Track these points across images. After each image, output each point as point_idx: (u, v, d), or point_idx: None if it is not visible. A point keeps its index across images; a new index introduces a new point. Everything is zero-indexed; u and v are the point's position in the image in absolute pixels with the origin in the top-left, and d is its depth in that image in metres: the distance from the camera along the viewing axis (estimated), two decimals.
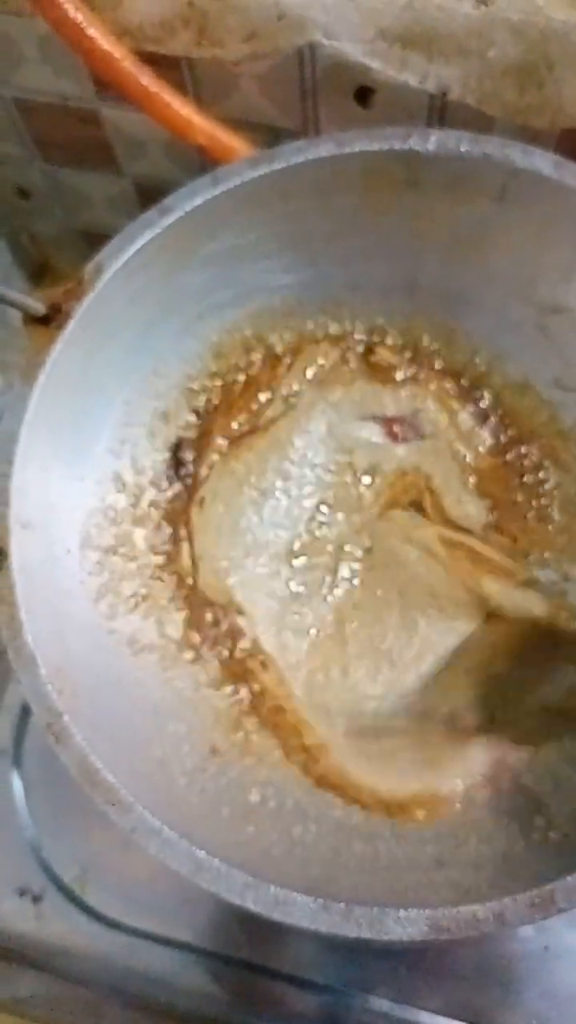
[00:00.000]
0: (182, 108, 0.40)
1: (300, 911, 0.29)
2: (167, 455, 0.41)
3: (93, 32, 0.38)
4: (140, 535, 0.40)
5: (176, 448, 0.41)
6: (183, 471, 0.42)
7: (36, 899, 0.42)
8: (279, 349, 0.43)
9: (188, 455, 0.42)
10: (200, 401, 0.42)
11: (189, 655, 0.39)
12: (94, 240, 0.34)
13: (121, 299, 0.36)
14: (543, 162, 0.35)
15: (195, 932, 0.42)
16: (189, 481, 0.41)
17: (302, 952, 0.41)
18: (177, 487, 0.41)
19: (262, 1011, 0.41)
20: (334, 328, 0.43)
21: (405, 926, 0.29)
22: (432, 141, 0.35)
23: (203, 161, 0.41)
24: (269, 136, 0.44)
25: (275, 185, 0.36)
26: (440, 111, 0.41)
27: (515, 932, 0.40)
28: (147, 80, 0.39)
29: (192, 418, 0.41)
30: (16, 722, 0.45)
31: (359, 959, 0.41)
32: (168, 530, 0.40)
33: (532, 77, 0.39)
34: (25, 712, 0.45)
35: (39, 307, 0.33)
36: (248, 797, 0.35)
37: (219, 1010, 0.41)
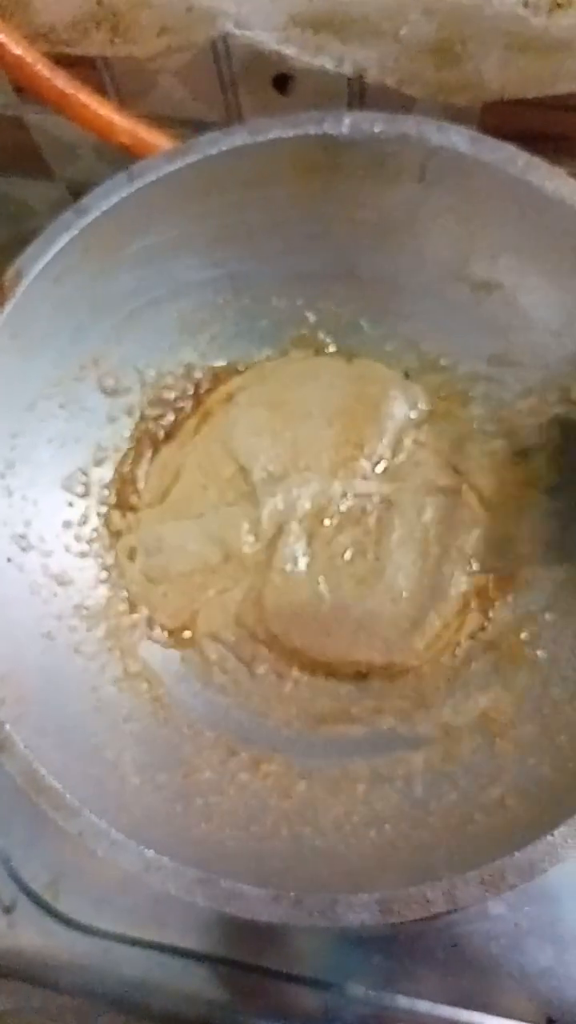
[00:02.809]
0: (101, 108, 0.40)
1: (251, 903, 0.29)
2: (108, 461, 0.41)
3: (2, 38, 0.37)
4: (84, 541, 0.40)
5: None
6: (127, 472, 0.42)
7: (7, 909, 0.42)
8: (211, 348, 0.43)
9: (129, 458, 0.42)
10: (137, 404, 0.42)
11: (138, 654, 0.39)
12: None
13: (50, 304, 0.36)
14: (459, 138, 0.34)
15: (170, 932, 0.41)
16: (132, 478, 0.41)
17: (280, 946, 0.41)
18: (120, 486, 0.41)
19: (241, 1007, 0.41)
20: (269, 324, 0.43)
21: (357, 911, 0.29)
22: (346, 124, 0.34)
23: (134, 162, 0.41)
24: (195, 131, 0.43)
25: (195, 179, 0.36)
26: (360, 94, 0.41)
27: (486, 912, 0.40)
28: (62, 83, 0.39)
29: (128, 421, 0.41)
30: None
31: (332, 949, 0.41)
32: (112, 535, 0.40)
33: (448, 54, 0.39)
34: None
35: None
36: (202, 793, 0.35)
37: (199, 1009, 0.41)
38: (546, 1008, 0.40)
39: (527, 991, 0.40)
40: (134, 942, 0.42)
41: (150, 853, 0.29)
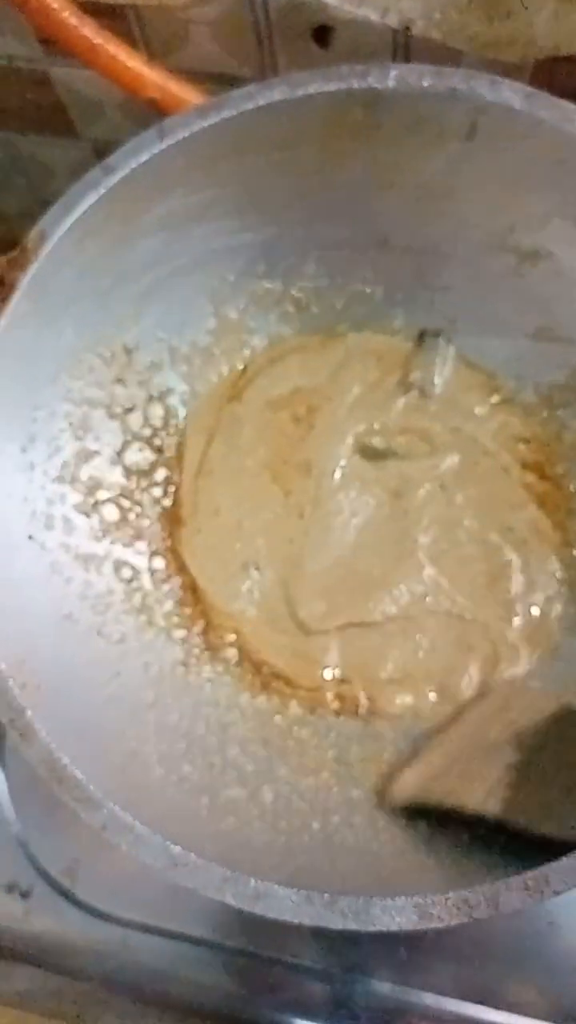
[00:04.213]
0: (130, 60, 0.38)
1: (282, 904, 0.27)
2: (128, 435, 0.39)
3: None
4: (104, 518, 0.38)
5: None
6: (152, 446, 0.40)
7: (25, 895, 0.41)
8: (239, 319, 0.41)
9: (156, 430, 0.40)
10: (161, 375, 0.40)
11: (162, 639, 0.37)
12: None
13: (72, 269, 0.34)
14: (513, 94, 0.32)
15: (187, 921, 0.40)
16: (156, 458, 0.39)
17: (297, 938, 0.40)
18: (144, 461, 0.39)
19: (259, 998, 0.40)
20: (298, 294, 0.41)
21: (393, 915, 0.27)
22: (392, 77, 0.32)
23: (161, 120, 0.39)
24: (226, 87, 0.41)
25: (228, 136, 0.34)
26: (404, 48, 0.39)
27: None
28: (90, 31, 0.37)
29: (155, 388, 0.39)
30: None
31: (356, 943, 0.40)
32: (135, 512, 0.39)
33: (500, 6, 0.36)
34: None
35: None
36: (229, 786, 0.33)
37: (216, 998, 0.40)
38: (570, 1007, 0.39)
39: (548, 988, 0.39)
40: (150, 930, 0.41)
41: (176, 849, 0.28)
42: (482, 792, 0.32)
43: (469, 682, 0.38)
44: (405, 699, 0.38)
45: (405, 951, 0.39)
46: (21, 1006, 0.44)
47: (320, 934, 0.40)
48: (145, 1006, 0.42)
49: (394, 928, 0.27)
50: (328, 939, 0.40)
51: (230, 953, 0.41)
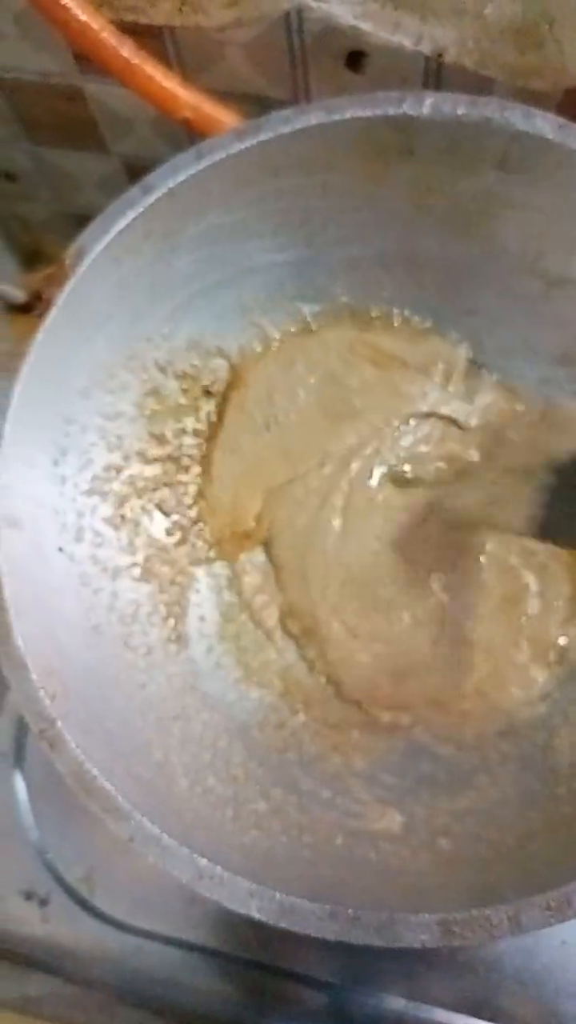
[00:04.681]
0: (165, 80, 0.38)
1: (307, 919, 0.28)
2: (158, 449, 0.39)
3: (69, 2, 0.36)
4: (132, 531, 0.38)
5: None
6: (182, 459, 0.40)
7: (42, 902, 0.41)
8: (274, 334, 0.41)
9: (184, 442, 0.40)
10: (191, 390, 0.40)
11: (187, 652, 0.38)
12: (87, 223, 0.33)
13: (107, 285, 0.35)
14: (546, 124, 0.33)
15: (204, 932, 0.41)
16: (190, 459, 0.40)
17: (313, 951, 0.40)
18: (174, 474, 0.40)
19: (273, 1011, 0.40)
20: (330, 312, 0.41)
21: (416, 932, 0.27)
22: (427, 104, 0.33)
23: (191, 138, 0.40)
24: (258, 108, 0.42)
25: (264, 158, 0.34)
26: (436, 75, 0.39)
27: None
28: (128, 52, 0.37)
29: (184, 399, 0.40)
30: (18, 723, 0.44)
31: (370, 957, 0.40)
32: (168, 522, 0.39)
33: (532, 36, 0.37)
34: None
35: (18, 294, 0.32)
36: (253, 799, 0.34)
37: (230, 1010, 0.40)
38: (556, 1018, 0.39)
39: (557, 1008, 0.39)
40: (166, 940, 0.41)
41: (203, 862, 0.28)
42: (512, 512, 0.33)
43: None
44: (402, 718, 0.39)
45: (420, 966, 0.39)
46: (30, 1012, 0.45)
47: (337, 947, 0.40)
48: (155, 1016, 0.42)
49: (417, 945, 0.27)
50: (344, 953, 0.40)
51: (243, 965, 0.41)
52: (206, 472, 0.41)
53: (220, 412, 0.42)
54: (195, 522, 0.41)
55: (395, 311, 0.41)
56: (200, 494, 0.41)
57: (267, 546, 0.41)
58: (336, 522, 0.41)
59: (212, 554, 0.41)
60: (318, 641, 0.40)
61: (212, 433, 0.41)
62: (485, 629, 0.39)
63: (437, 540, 0.40)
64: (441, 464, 0.41)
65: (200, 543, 0.41)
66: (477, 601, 0.40)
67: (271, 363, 0.42)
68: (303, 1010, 0.40)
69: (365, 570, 0.40)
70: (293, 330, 0.42)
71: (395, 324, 0.42)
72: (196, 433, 0.41)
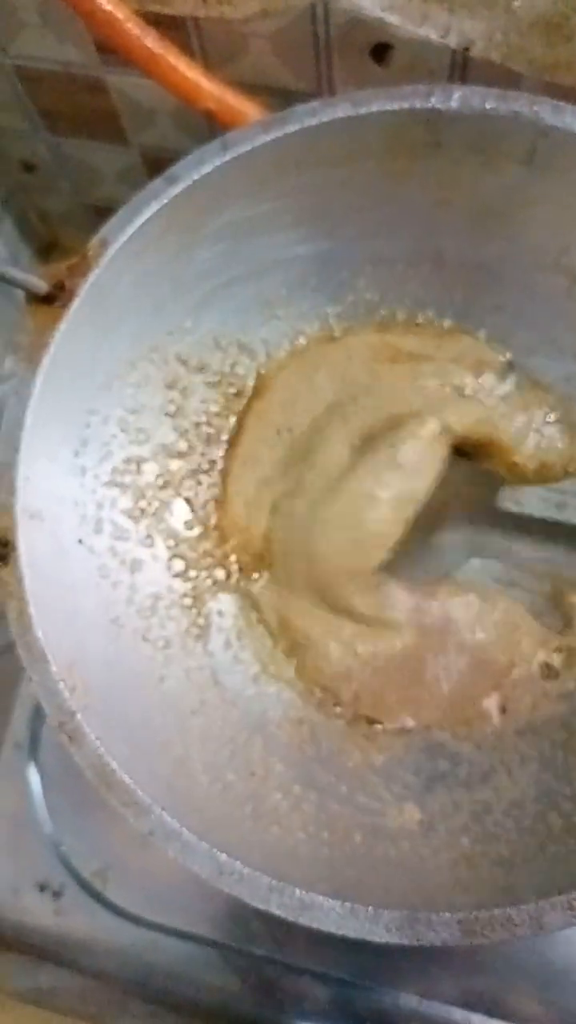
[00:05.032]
0: (189, 71, 0.38)
1: (327, 916, 0.28)
2: (179, 443, 0.39)
3: None
4: (151, 523, 0.38)
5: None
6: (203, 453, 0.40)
7: (56, 894, 0.41)
8: (298, 331, 0.41)
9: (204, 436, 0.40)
10: (217, 387, 0.40)
11: (205, 646, 0.38)
12: (105, 215, 0.32)
13: (130, 277, 0.34)
14: (575, 119, 0.32)
15: (217, 927, 0.41)
16: (210, 462, 0.40)
17: (326, 947, 0.40)
18: (193, 468, 0.40)
19: (285, 1007, 0.40)
20: (351, 308, 0.41)
21: (437, 930, 0.27)
22: (455, 98, 0.32)
23: (213, 130, 0.39)
24: (282, 100, 0.42)
25: (289, 151, 0.34)
26: (462, 68, 0.39)
27: None
28: (152, 42, 0.37)
29: (205, 392, 0.40)
30: (32, 716, 0.44)
31: (384, 955, 0.40)
32: (187, 515, 0.39)
33: (561, 30, 0.37)
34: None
35: (41, 285, 0.31)
36: (272, 794, 0.34)
37: (242, 1005, 0.40)
38: (572, 1018, 0.39)
39: (554, 1000, 0.39)
40: (180, 934, 0.41)
41: (223, 857, 0.28)
42: None
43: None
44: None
45: (433, 965, 0.39)
46: (43, 1004, 0.45)
47: (350, 944, 0.40)
48: (166, 1009, 0.42)
49: (438, 943, 0.27)
50: (357, 950, 0.40)
51: (256, 960, 0.41)
52: (224, 485, 0.41)
53: (241, 421, 0.41)
54: (213, 527, 0.40)
55: (419, 312, 0.41)
56: (218, 502, 0.41)
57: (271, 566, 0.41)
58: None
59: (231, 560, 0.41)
60: (312, 657, 0.39)
61: (234, 441, 0.41)
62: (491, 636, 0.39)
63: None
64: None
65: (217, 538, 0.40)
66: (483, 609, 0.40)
67: (294, 371, 0.41)
68: (315, 1006, 0.40)
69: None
70: (317, 331, 0.41)
71: (419, 322, 0.41)
72: (218, 434, 0.41)
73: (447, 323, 0.41)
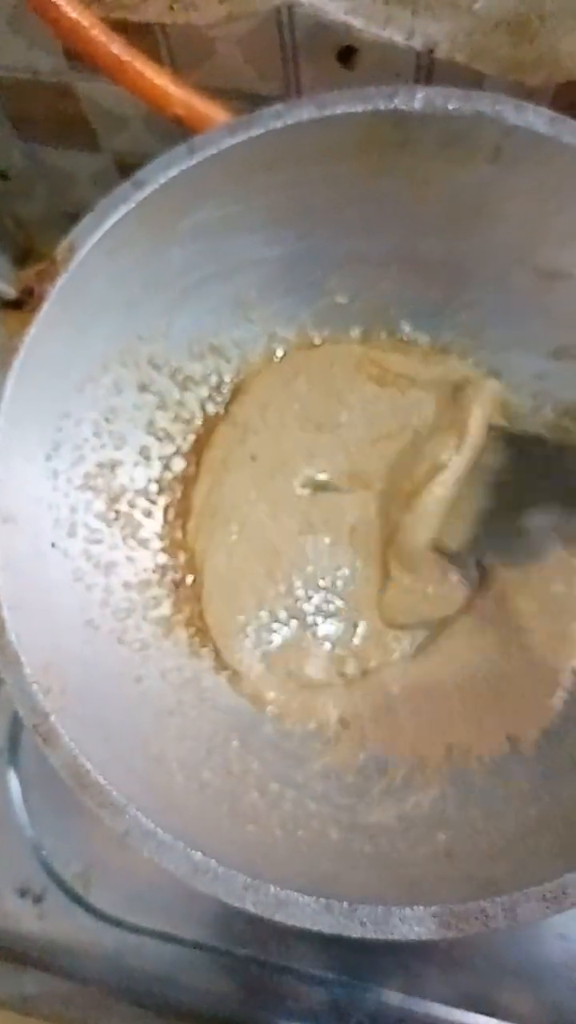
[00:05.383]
0: (156, 77, 0.38)
1: (302, 912, 0.28)
2: (151, 445, 0.39)
3: (59, 0, 0.36)
4: (125, 527, 0.38)
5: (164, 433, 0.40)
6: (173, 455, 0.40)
7: (37, 899, 0.41)
8: (265, 328, 0.41)
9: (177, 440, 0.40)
10: (191, 392, 0.40)
11: (183, 648, 0.38)
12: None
13: (101, 279, 0.34)
14: (537, 118, 0.33)
15: (200, 928, 0.41)
16: (180, 466, 0.40)
17: (310, 946, 0.40)
18: (166, 472, 0.40)
19: (270, 1007, 0.40)
20: (324, 307, 0.41)
21: (412, 924, 0.27)
22: (419, 99, 0.33)
23: (185, 134, 0.40)
24: (250, 104, 0.41)
25: (256, 153, 0.34)
26: (428, 70, 0.39)
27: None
28: (118, 49, 0.37)
29: (179, 395, 0.40)
30: (11, 720, 0.44)
31: (369, 952, 0.40)
32: (159, 519, 0.39)
33: (525, 30, 0.37)
34: None
35: (10, 291, 0.32)
36: (248, 793, 0.34)
37: (226, 1006, 0.40)
38: (554, 1012, 0.39)
39: (558, 1002, 0.39)
40: (163, 936, 0.41)
41: (198, 856, 0.28)
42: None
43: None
44: None
45: (416, 961, 0.39)
46: (27, 1011, 0.45)
47: (334, 942, 0.40)
48: (151, 1013, 0.42)
49: (412, 937, 0.27)
50: (341, 948, 0.40)
51: (240, 960, 0.41)
52: (186, 495, 0.41)
53: (214, 427, 0.42)
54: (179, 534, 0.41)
55: (390, 305, 0.41)
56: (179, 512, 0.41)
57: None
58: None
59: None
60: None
61: (203, 447, 0.41)
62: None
63: None
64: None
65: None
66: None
67: (273, 376, 0.42)
68: (301, 1006, 0.40)
69: None
70: (294, 337, 0.42)
71: (403, 340, 0.42)
72: (190, 439, 0.41)
73: (425, 338, 0.42)
